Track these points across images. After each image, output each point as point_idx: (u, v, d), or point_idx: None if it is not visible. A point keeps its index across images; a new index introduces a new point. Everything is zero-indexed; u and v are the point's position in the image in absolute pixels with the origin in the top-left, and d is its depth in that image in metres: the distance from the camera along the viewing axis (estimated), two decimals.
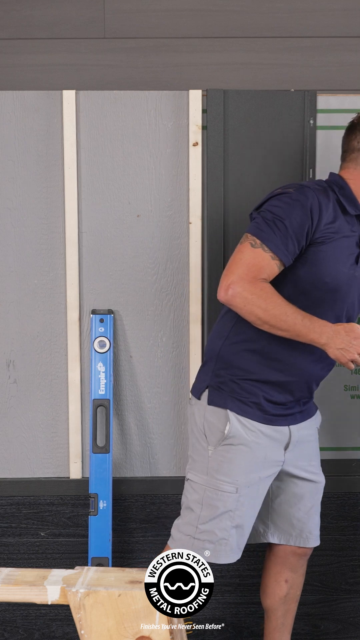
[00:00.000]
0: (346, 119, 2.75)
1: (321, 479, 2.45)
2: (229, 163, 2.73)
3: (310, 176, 2.74)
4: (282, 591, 2.48)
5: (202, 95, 2.70)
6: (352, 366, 2.14)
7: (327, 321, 2.15)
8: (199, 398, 2.31)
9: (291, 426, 2.34)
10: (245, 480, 2.25)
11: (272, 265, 2.15)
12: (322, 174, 2.75)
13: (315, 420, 2.46)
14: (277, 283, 2.20)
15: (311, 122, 2.72)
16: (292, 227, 2.15)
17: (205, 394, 2.30)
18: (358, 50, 2.74)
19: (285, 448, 2.33)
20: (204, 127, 2.71)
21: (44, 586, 1.38)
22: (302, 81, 2.73)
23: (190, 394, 2.40)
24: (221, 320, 2.34)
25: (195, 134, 2.70)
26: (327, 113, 2.74)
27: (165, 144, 2.71)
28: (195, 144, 2.71)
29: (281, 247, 2.14)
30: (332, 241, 2.21)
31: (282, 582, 2.48)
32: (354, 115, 2.74)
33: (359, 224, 2.30)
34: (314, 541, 2.46)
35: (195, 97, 2.69)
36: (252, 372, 2.27)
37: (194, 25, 2.71)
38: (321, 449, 2.83)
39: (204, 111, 2.70)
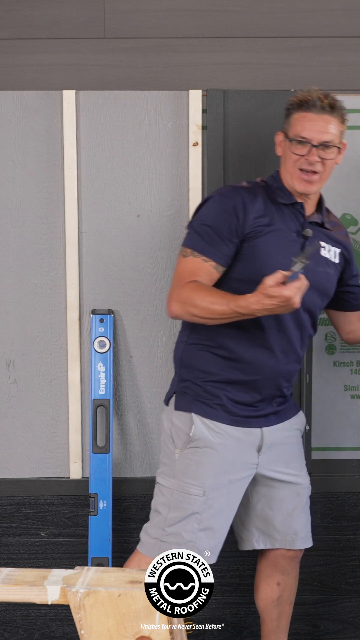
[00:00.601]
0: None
1: (303, 480, 2.44)
2: (229, 163, 2.73)
3: None
4: (275, 594, 2.47)
5: (202, 95, 2.70)
6: (296, 306, 2.07)
7: (246, 296, 2.11)
8: (167, 404, 2.36)
9: (264, 428, 2.33)
10: (212, 482, 2.24)
11: (206, 268, 2.21)
12: None
13: (296, 421, 2.44)
14: (222, 286, 2.24)
15: None
16: (218, 229, 2.23)
17: (172, 400, 2.33)
18: (358, 50, 2.74)
19: (259, 450, 2.32)
20: (204, 127, 2.71)
21: (44, 586, 1.38)
22: (302, 81, 2.73)
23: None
24: (181, 326, 2.38)
25: (195, 134, 2.70)
26: None
27: (165, 144, 2.71)
28: (195, 144, 2.71)
29: (209, 248, 2.21)
30: (265, 234, 2.24)
31: (274, 585, 2.47)
32: (354, 115, 2.74)
33: (300, 214, 2.31)
34: (302, 543, 2.45)
35: (195, 97, 2.69)
36: (213, 374, 2.27)
37: (194, 25, 2.71)
38: (321, 449, 2.84)
39: (204, 111, 2.70)
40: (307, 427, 2.80)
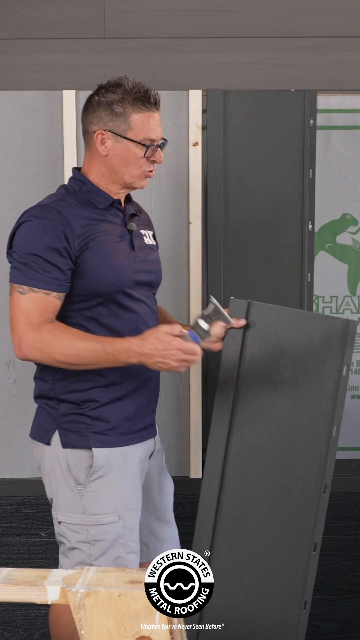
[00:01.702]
0: (346, 119, 2.76)
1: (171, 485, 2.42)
2: (229, 163, 2.73)
3: (310, 176, 2.74)
4: None
5: (202, 95, 2.70)
6: (182, 370, 2.06)
7: (127, 337, 2.06)
8: (48, 443, 2.17)
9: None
10: (124, 504, 2.16)
11: (50, 300, 2.05)
12: (322, 174, 2.76)
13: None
14: (69, 314, 2.11)
15: (311, 122, 2.72)
16: (48, 256, 2.04)
17: (55, 438, 2.16)
18: (358, 50, 2.74)
19: (150, 456, 2.29)
20: (204, 127, 2.71)
21: (44, 586, 1.38)
22: (302, 81, 2.73)
23: (31, 438, 2.27)
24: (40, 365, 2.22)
25: (195, 134, 2.70)
26: (327, 113, 2.74)
27: None
28: (195, 144, 2.71)
29: (48, 279, 2.04)
30: (94, 242, 2.10)
31: None
32: (354, 115, 2.75)
33: (118, 210, 2.21)
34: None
35: (195, 97, 2.69)
36: (96, 400, 2.16)
37: (194, 25, 2.71)
38: None
39: (204, 111, 2.70)
40: None
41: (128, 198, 2.29)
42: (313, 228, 2.77)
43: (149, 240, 2.29)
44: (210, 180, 2.72)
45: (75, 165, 2.65)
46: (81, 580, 1.39)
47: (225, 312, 2.14)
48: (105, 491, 2.15)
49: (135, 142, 2.13)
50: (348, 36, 2.74)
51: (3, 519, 2.80)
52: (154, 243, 2.33)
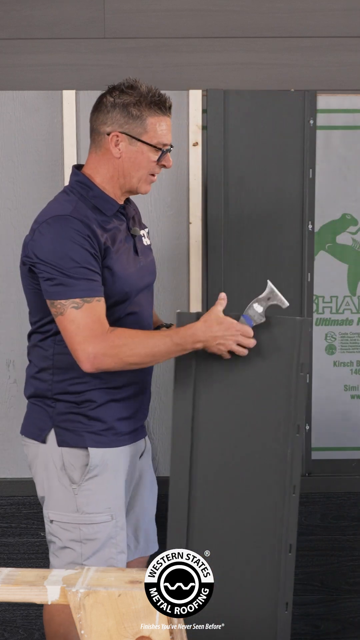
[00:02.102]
0: (346, 119, 2.76)
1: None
2: (229, 163, 2.73)
3: (310, 176, 2.74)
4: None
5: (202, 95, 2.70)
6: (229, 355, 2.12)
7: (191, 324, 2.09)
8: (44, 441, 2.18)
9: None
10: (117, 504, 2.18)
11: (102, 306, 2.06)
12: (322, 174, 2.76)
13: None
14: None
15: (311, 122, 2.72)
16: (86, 263, 2.04)
17: (51, 436, 2.17)
18: (358, 50, 2.74)
19: (140, 456, 2.31)
20: (204, 127, 2.71)
21: (44, 586, 1.38)
22: (302, 81, 2.73)
23: (23, 436, 2.28)
24: (33, 355, 2.23)
25: (195, 134, 2.70)
26: (327, 113, 2.74)
27: None
28: (195, 144, 2.71)
29: (95, 286, 2.05)
30: (111, 250, 2.11)
31: None
32: (354, 115, 2.75)
33: (122, 215, 2.22)
34: (153, 547, 2.44)
35: (195, 97, 2.69)
36: (93, 401, 2.17)
37: (194, 25, 2.71)
38: (321, 448, 2.84)
39: (204, 111, 2.70)
40: (307, 427, 2.81)
41: (127, 198, 2.29)
42: (313, 228, 2.76)
43: (146, 241, 2.31)
44: (210, 180, 2.72)
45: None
46: (81, 580, 1.39)
47: (280, 294, 2.14)
48: (100, 490, 2.16)
49: (150, 145, 2.13)
50: (348, 36, 2.74)
51: (3, 519, 2.80)
52: (149, 242, 2.35)
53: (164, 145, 2.15)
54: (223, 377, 2.15)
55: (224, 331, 2.08)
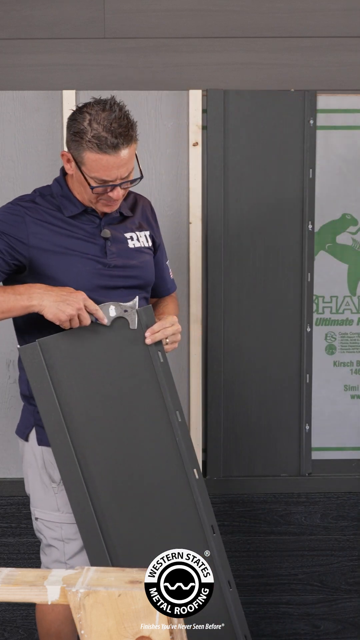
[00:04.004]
0: (346, 119, 2.76)
1: None
2: (229, 163, 2.73)
3: (310, 176, 2.74)
4: None
5: (202, 95, 2.70)
6: (68, 325, 2.04)
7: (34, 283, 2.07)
8: (26, 439, 2.23)
9: None
10: None
11: None
12: (322, 174, 2.76)
13: None
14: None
15: (311, 122, 2.72)
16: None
17: (32, 435, 2.21)
18: (358, 50, 2.74)
19: None
20: (204, 127, 2.71)
21: (44, 586, 1.38)
22: (302, 81, 2.73)
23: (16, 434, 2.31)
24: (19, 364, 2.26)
25: (195, 134, 2.70)
26: (327, 113, 2.74)
27: (165, 144, 2.71)
28: (195, 144, 2.71)
29: None
30: (53, 252, 2.11)
31: None
32: (354, 115, 2.75)
33: (94, 216, 2.18)
34: None
35: (195, 97, 2.69)
36: None
37: (194, 25, 2.71)
38: (321, 449, 2.84)
39: (204, 111, 2.70)
40: (308, 427, 2.81)
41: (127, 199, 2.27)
42: (313, 228, 2.77)
43: (135, 244, 2.25)
44: (210, 180, 2.72)
45: None
46: (81, 580, 1.39)
47: (136, 317, 2.11)
48: None
49: (86, 177, 2.08)
50: (348, 36, 2.74)
51: (3, 519, 2.80)
52: (145, 245, 2.27)
53: (104, 181, 2.06)
54: (90, 393, 2.11)
55: (67, 294, 2.01)
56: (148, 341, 2.11)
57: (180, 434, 2.13)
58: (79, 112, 2.08)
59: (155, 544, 2.12)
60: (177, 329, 2.17)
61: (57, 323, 2.04)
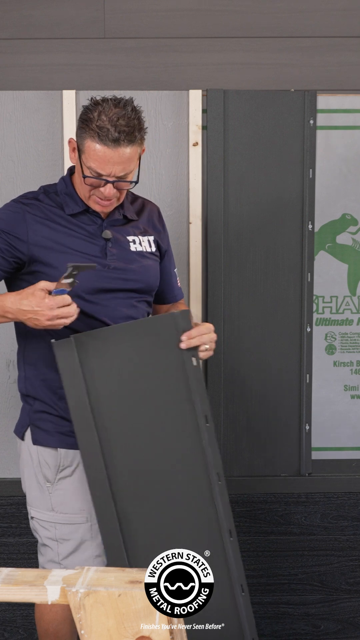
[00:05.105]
0: (346, 119, 2.76)
1: None
2: (229, 163, 2.73)
3: (310, 176, 2.74)
4: None
5: (202, 95, 2.70)
6: (58, 326, 1.99)
7: (5, 293, 2.04)
8: (22, 438, 2.23)
9: None
10: (92, 507, 2.15)
11: None
12: (322, 174, 2.76)
13: None
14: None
15: (311, 122, 2.72)
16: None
17: (28, 434, 2.22)
18: (358, 50, 2.74)
19: None
20: (204, 127, 2.71)
21: (44, 586, 1.38)
22: (302, 81, 2.73)
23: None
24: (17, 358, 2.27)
25: (195, 134, 2.70)
26: (327, 113, 2.74)
27: (165, 144, 2.71)
28: (195, 144, 2.71)
29: None
30: (52, 250, 2.10)
31: None
32: (354, 115, 2.75)
33: (95, 217, 2.18)
34: None
35: (195, 97, 2.69)
36: (49, 405, 2.18)
37: (194, 25, 2.71)
38: (321, 449, 2.84)
39: (204, 111, 2.70)
40: (308, 427, 2.81)
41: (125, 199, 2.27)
42: (313, 228, 2.77)
43: (137, 247, 2.23)
44: (210, 180, 2.72)
45: None
46: (81, 580, 1.39)
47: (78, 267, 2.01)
48: (73, 492, 2.17)
49: (82, 165, 2.08)
50: (348, 36, 2.74)
51: (3, 519, 2.80)
52: (148, 250, 2.26)
53: (98, 173, 2.06)
54: (120, 391, 2.10)
55: (34, 306, 1.96)
56: (183, 345, 2.06)
57: (207, 438, 2.10)
58: (94, 102, 2.09)
59: (172, 545, 2.10)
60: (214, 337, 2.13)
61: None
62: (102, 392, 2.10)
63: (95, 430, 2.09)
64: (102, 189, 2.09)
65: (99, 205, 2.14)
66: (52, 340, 2.07)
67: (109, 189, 2.08)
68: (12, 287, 2.19)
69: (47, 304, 1.95)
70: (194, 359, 2.10)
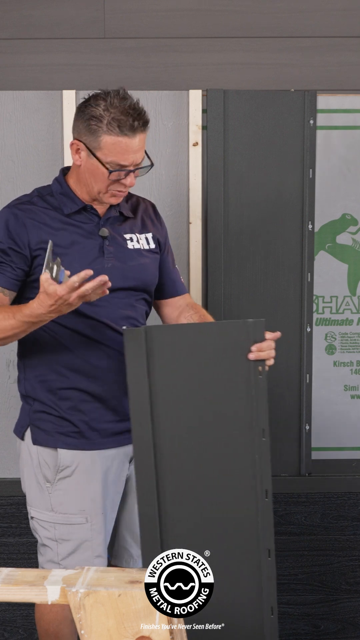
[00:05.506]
0: (346, 119, 2.76)
1: None
2: (229, 163, 2.73)
3: (310, 176, 2.74)
4: None
5: (202, 95, 2.70)
6: (73, 303, 1.94)
7: (29, 302, 2.02)
8: (22, 438, 2.23)
9: None
10: (92, 507, 2.16)
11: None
12: (322, 174, 2.76)
13: None
14: None
15: (311, 122, 2.72)
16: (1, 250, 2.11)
17: (28, 434, 2.21)
18: (358, 50, 2.74)
19: (130, 461, 2.26)
20: (204, 127, 2.71)
21: (44, 586, 1.38)
22: (302, 81, 2.73)
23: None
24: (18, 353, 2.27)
25: (195, 134, 2.70)
26: (327, 113, 2.74)
27: (165, 144, 2.71)
28: (195, 144, 2.71)
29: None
30: (55, 254, 2.06)
31: None
32: (354, 115, 2.75)
33: (93, 215, 2.18)
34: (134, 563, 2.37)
35: (195, 97, 2.69)
36: (66, 400, 2.18)
37: (194, 25, 2.71)
38: (321, 449, 2.84)
39: (204, 111, 2.70)
40: (308, 427, 2.81)
41: (129, 200, 2.27)
42: (313, 228, 2.77)
43: (134, 245, 2.23)
44: (210, 180, 2.72)
45: None
46: (81, 580, 1.39)
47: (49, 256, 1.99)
48: (72, 492, 2.16)
49: (98, 159, 2.08)
50: (348, 36, 2.74)
51: (3, 519, 2.80)
52: (146, 247, 2.26)
53: (121, 165, 2.07)
54: (180, 389, 2.09)
55: (54, 300, 1.93)
56: (252, 357, 2.02)
57: (261, 452, 2.07)
58: (93, 98, 2.09)
59: (209, 557, 2.09)
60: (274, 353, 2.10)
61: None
62: (163, 387, 2.08)
63: (151, 423, 2.08)
64: (124, 181, 2.11)
65: (114, 198, 2.15)
66: (124, 327, 2.06)
67: (130, 179, 2.11)
68: (25, 292, 2.17)
69: (61, 295, 1.90)
70: (260, 369, 2.06)
